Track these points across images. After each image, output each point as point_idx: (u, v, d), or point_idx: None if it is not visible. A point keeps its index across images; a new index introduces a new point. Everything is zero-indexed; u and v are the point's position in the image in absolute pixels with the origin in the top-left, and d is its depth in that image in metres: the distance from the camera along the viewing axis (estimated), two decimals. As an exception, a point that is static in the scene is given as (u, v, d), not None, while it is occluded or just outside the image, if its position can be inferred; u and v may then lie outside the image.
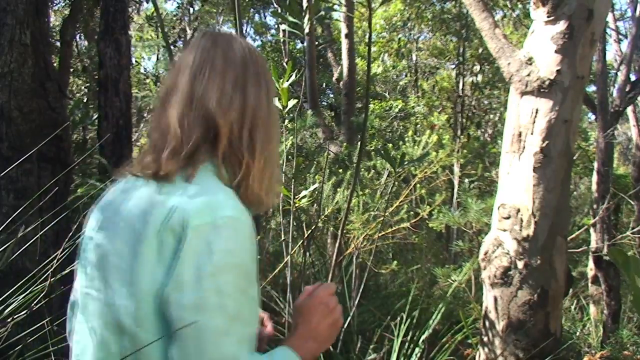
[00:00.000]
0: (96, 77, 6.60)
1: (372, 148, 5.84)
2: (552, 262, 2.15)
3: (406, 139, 3.75)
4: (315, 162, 4.84)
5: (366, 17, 9.09)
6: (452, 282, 3.36)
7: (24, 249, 1.65)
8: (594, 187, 5.14)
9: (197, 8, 11.54)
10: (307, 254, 3.22)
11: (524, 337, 2.13)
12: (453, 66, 9.91)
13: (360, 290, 3.02)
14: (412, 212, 4.01)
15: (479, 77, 8.44)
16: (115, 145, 4.98)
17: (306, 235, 3.10)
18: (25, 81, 2.27)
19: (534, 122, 2.16)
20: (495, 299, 2.20)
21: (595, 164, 5.16)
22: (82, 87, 9.72)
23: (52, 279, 1.41)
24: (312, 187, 2.96)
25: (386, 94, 10.37)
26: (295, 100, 2.43)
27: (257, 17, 13.03)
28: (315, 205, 3.68)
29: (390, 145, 4.34)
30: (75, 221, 1.61)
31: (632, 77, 5.56)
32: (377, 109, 8.09)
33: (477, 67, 8.48)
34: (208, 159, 0.90)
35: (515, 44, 2.37)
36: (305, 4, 4.14)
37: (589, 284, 4.95)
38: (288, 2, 2.19)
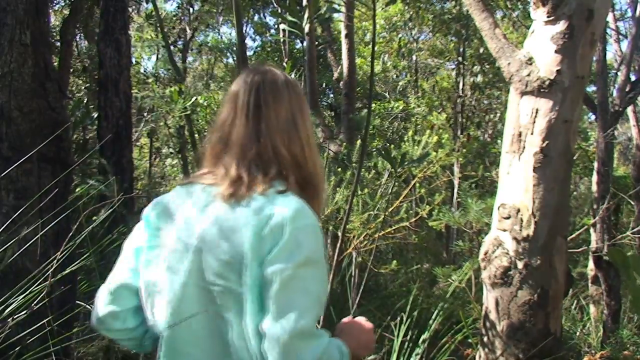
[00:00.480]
0: (96, 77, 6.60)
1: (373, 148, 5.83)
2: (552, 262, 2.14)
3: (406, 139, 3.75)
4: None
5: (366, 17, 9.09)
6: (452, 282, 3.36)
7: (24, 249, 1.65)
8: (594, 187, 5.14)
9: (197, 8, 11.54)
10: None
11: (524, 337, 2.13)
12: (453, 66, 9.91)
13: (361, 290, 3.02)
14: (412, 212, 4.01)
15: (479, 77, 8.42)
16: (115, 145, 4.99)
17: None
18: (25, 81, 2.27)
19: (534, 122, 2.16)
20: (496, 299, 2.20)
21: (595, 164, 5.16)
22: (82, 87, 9.72)
23: (52, 279, 1.41)
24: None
25: (386, 94, 10.37)
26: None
27: (256, 17, 13.03)
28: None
29: (391, 145, 4.34)
30: (75, 221, 1.61)
31: (632, 77, 5.56)
32: (378, 109, 8.08)
33: (477, 67, 8.47)
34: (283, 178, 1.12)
35: (515, 44, 2.37)
36: (305, 4, 4.13)
37: (589, 284, 4.95)
38: (287, 2, 2.19)
